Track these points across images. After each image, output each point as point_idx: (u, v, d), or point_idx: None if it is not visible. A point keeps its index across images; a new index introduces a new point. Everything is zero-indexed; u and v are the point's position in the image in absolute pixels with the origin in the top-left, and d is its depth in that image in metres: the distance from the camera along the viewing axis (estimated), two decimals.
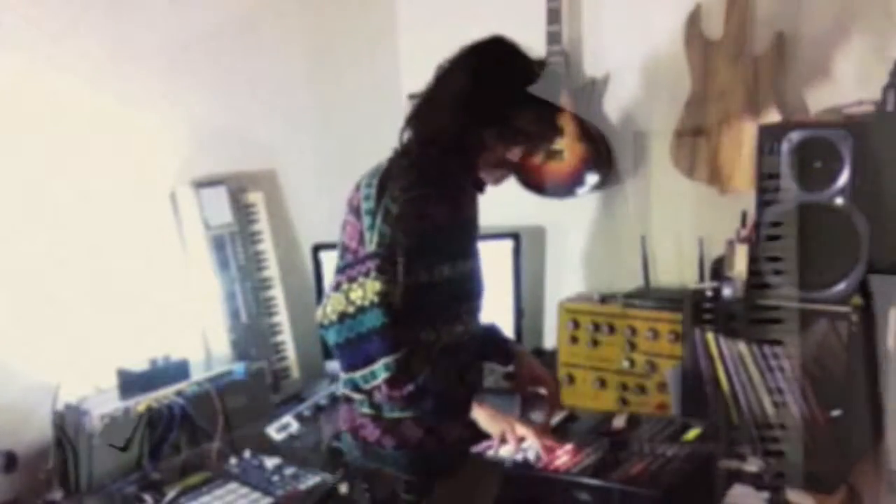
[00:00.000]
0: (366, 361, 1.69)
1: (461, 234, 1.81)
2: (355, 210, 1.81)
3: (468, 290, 1.84)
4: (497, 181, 1.91)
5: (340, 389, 1.89)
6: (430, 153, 1.78)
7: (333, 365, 2.20)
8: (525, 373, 2.06)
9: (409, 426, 1.77)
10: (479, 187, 1.88)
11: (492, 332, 2.05)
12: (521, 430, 1.96)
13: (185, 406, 2.23)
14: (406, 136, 1.84)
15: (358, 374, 1.72)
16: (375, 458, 1.81)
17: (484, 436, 1.97)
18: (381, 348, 1.67)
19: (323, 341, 2.38)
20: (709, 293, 2.33)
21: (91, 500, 2.08)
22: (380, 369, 1.67)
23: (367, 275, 1.69)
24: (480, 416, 1.95)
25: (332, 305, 1.72)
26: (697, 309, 2.33)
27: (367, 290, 1.68)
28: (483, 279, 1.88)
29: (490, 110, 1.79)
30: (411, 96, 1.87)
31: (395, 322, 1.66)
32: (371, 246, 1.72)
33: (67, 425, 2.15)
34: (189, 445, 2.25)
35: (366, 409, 1.80)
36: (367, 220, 1.76)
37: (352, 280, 1.71)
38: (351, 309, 1.69)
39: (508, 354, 2.07)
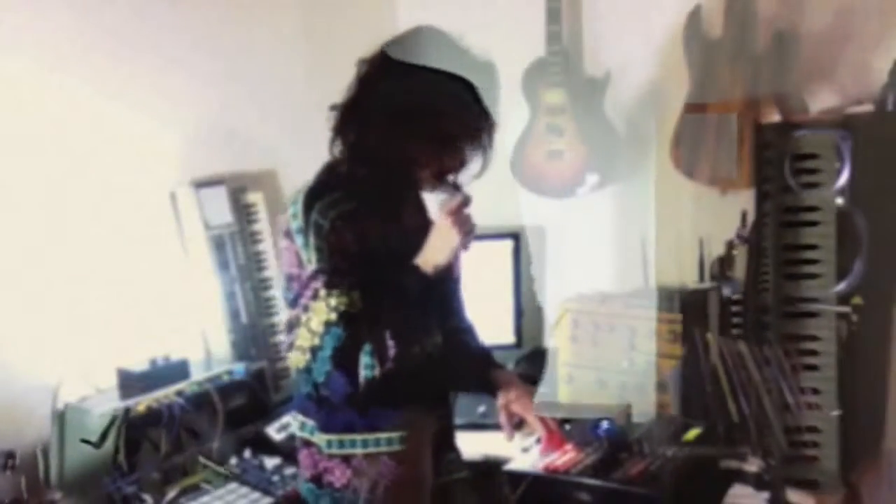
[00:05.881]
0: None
1: (404, 243, 1.68)
2: (287, 233, 1.68)
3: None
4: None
5: (297, 433, 1.80)
6: (359, 169, 1.67)
7: None
8: (507, 414, 1.89)
9: (385, 462, 1.70)
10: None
11: (475, 359, 1.94)
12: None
13: (184, 406, 2.23)
14: (336, 148, 1.72)
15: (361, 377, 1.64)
16: None
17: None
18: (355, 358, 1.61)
19: None
20: (709, 293, 2.33)
21: (90, 500, 2.08)
22: (366, 366, 1.62)
23: (315, 297, 1.59)
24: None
25: (301, 343, 1.61)
26: (697, 309, 2.33)
27: (319, 312, 1.58)
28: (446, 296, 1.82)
29: (417, 120, 1.63)
30: (332, 107, 1.72)
31: (359, 331, 1.58)
32: (312, 264, 1.62)
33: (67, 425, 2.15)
34: (189, 445, 2.25)
35: (334, 451, 1.72)
36: (299, 240, 1.64)
37: (306, 309, 1.61)
38: (317, 340, 1.58)
39: (490, 385, 1.92)
